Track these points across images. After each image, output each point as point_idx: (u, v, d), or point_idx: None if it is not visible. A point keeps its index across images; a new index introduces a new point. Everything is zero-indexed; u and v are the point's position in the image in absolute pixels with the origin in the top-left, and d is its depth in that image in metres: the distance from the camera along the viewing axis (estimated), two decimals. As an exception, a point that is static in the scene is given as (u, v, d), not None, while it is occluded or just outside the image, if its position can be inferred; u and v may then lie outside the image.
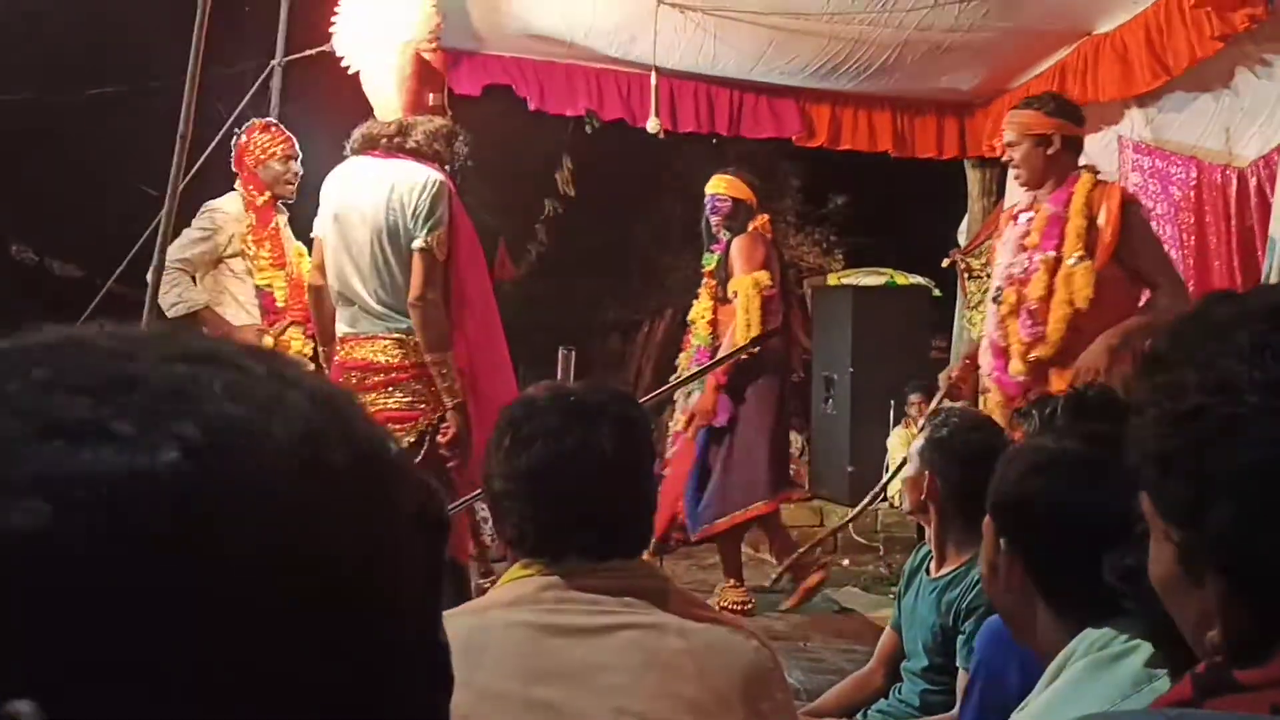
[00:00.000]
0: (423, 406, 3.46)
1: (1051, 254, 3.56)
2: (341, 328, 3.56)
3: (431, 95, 3.84)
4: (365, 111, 3.73)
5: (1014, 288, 3.68)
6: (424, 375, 3.44)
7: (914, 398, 7.01)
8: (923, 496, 2.60)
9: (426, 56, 3.91)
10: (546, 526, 1.43)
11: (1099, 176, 3.66)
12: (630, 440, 1.45)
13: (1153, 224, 4.90)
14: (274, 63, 5.60)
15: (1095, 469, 1.39)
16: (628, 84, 5.53)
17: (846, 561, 6.23)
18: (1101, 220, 3.51)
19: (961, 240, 6.49)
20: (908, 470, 2.71)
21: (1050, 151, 3.59)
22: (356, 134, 3.59)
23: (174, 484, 0.41)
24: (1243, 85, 4.49)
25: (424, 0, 3.82)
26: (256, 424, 0.44)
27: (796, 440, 7.38)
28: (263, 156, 4.48)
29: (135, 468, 0.41)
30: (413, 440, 3.40)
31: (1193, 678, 0.77)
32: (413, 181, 3.41)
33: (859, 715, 2.80)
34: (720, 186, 5.09)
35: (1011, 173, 3.81)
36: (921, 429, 3.02)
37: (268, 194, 4.45)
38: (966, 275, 6.36)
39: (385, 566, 0.46)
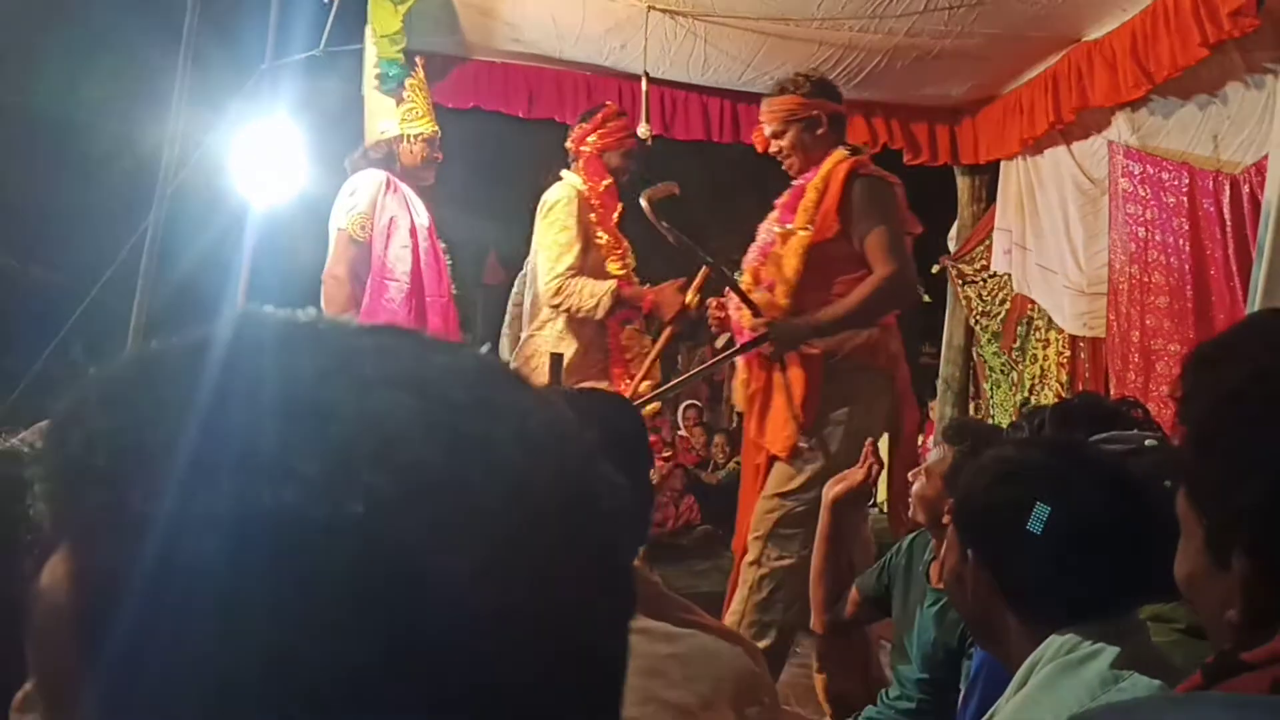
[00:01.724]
0: None
1: (788, 227, 3.53)
2: None
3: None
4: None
5: (751, 263, 3.69)
6: None
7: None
8: (943, 519, 2.57)
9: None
10: None
11: (854, 154, 3.59)
12: (618, 443, 1.45)
13: (1143, 230, 4.93)
14: (263, 66, 5.58)
15: (1059, 477, 1.42)
16: (618, 90, 5.53)
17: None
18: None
19: (951, 246, 6.50)
20: (919, 486, 2.68)
21: (820, 132, 3.53)
22: None
23: (353, 541, 0.37)
24: (1231, 93, 4.50)
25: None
26: (454, 474, 0.39)
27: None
28: (613, 143, 4.44)
29: (314, 519, 0.37)
30: None
31: (1203, 669, 0.79)
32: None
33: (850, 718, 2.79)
34: None
35: (785, 165, 3.68)
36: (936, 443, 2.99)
37: (609, 180, 4.41)
38: (959, 281, 6.37)
39: (576, 631, 0.41)
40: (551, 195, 4.30)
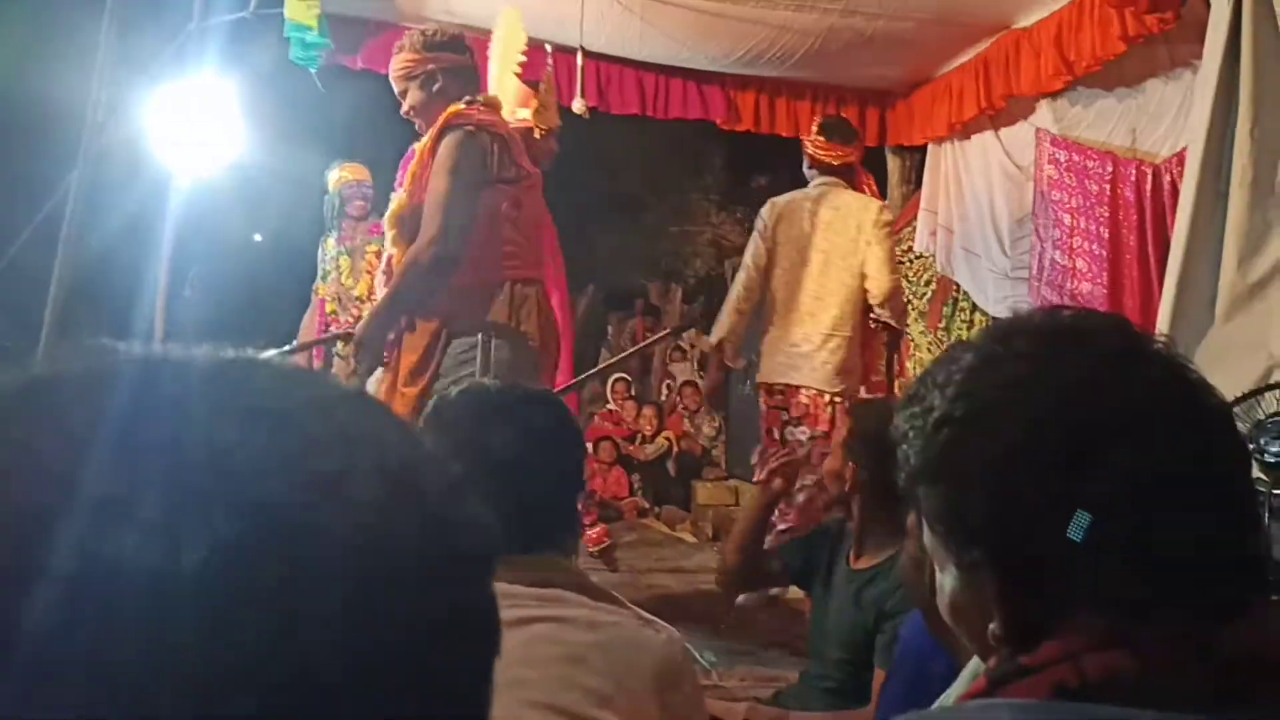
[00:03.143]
0: None
1: (398, 191, 3.40)
2: None
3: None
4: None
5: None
6: None
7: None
8: (845, 489, 2.63)
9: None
10: None
11: (466, 105, 3.34)
12: (536, 441, 1.49)
13: (1068, 216, 5.04)
14: (191, 26, 5.44)
15: None
16: (554, 65, 5.48)
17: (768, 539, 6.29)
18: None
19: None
20: (828, 463, 2.74)
21: (436, 88, 3.35)
22: None
23: (196, 593, 0.35)
24: (1150, 88, 4.61)
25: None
26: (305, 513, 0.37)
27: (715, 421, 7.43)
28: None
29: (153, 569, 0.34)
30: None
31: (987, 675, 0.82)
32: None
33: (773, 695, 2.84)
34: None
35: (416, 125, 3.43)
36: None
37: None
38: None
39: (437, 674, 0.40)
40: None
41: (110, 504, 0.35)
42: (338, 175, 5.82)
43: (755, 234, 4.55)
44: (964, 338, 5.90)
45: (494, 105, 3.46)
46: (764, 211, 4.53)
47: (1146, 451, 0.77)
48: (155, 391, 0.39)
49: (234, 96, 4.80)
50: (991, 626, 0.82)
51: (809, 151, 4.51)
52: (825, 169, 4.45)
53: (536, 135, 3.87)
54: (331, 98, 5.38)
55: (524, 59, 4.05)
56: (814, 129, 4.59)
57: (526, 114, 3.90)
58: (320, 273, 5.78)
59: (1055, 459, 0.78)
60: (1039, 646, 0.77)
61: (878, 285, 4.34)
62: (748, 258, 4.54)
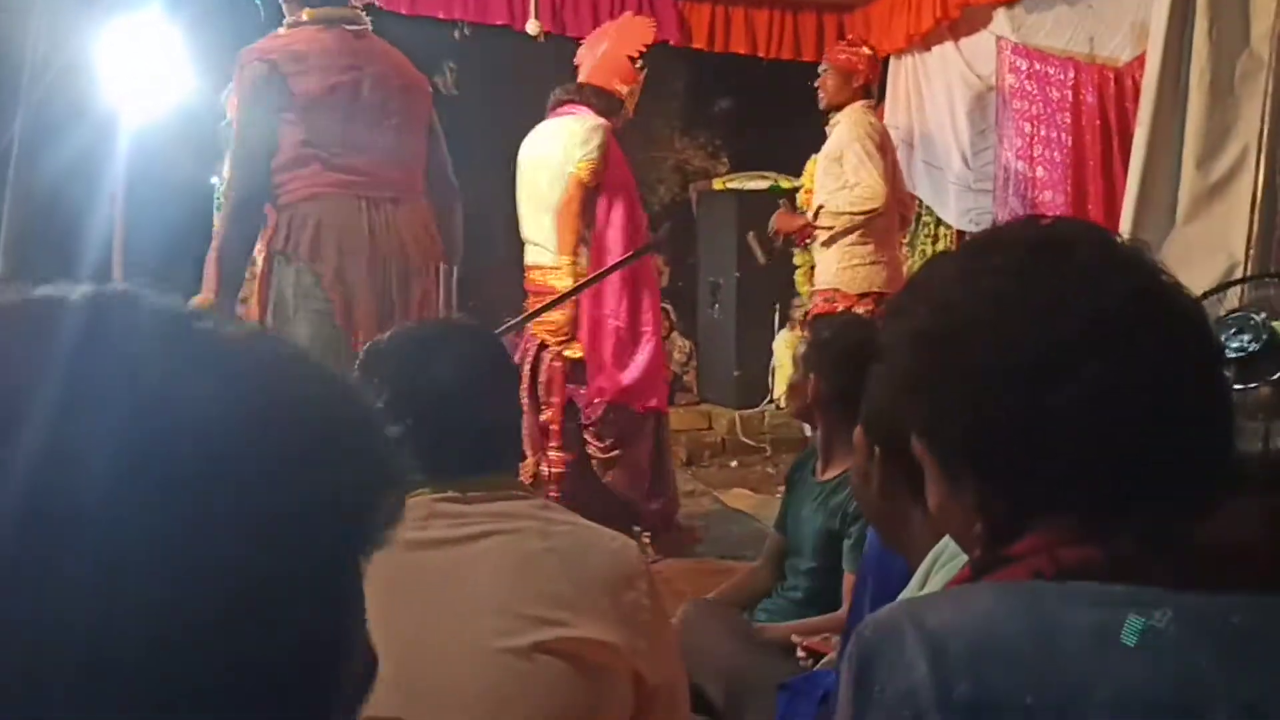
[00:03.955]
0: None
1: None
2: (528, 261, 4.29)
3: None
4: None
5: None
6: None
7: (798, 300, 7.07)
8: (808, 401, 2.65)
9: None
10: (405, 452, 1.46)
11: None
12: (470, 370, 1.54)
13: (1028, 125, 5.03)
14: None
15: None
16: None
17: (735, 463, 6.35)
18: None
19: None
20: (791, 375, 2.76)
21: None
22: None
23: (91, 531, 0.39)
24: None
25: None
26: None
27: (684, 346, 7.44)
28: None
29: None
30: (576, 355, 4.13)
31: (970, 563, 0.87)
32: (580, 124, 4.13)
33: (746, 612, 2.87)
34: None
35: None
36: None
37: None
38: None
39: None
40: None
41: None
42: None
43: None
44: (927, 253, 5.92)
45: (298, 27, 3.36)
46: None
47: (1118, 363, 0.81)
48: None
49: (180, 35, 4.69)
50: (976, 528, 0.86)
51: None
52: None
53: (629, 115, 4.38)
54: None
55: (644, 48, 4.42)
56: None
57: (624, 89, 4.31)
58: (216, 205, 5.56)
59: (1029, 372, 0.82)
60: (1018, 542, 0.82)
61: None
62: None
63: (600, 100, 4.24)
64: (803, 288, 6.03)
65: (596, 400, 4.13)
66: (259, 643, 0.42)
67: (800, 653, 2.45)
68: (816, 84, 4.79)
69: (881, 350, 0.95)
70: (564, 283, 4.03)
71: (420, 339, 1.62)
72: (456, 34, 5.91)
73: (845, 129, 4.57)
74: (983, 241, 0.93)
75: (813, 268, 5.06)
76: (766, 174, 7.13)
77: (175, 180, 4.96)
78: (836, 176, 4.55)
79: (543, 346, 4.20)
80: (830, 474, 2.67)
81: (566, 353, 4.15)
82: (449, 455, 1.45)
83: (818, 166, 4.79)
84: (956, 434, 0.86)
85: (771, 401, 6.57)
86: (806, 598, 2.69)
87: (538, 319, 4.02)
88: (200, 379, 0.44)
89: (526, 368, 4.15)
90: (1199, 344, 0.86)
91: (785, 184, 7.75)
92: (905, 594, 1.49)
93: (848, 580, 2.49)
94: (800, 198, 5.55)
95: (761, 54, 5.94)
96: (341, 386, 0.50)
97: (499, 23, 5.48)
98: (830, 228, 4.58)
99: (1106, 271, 0.85)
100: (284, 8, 3.40)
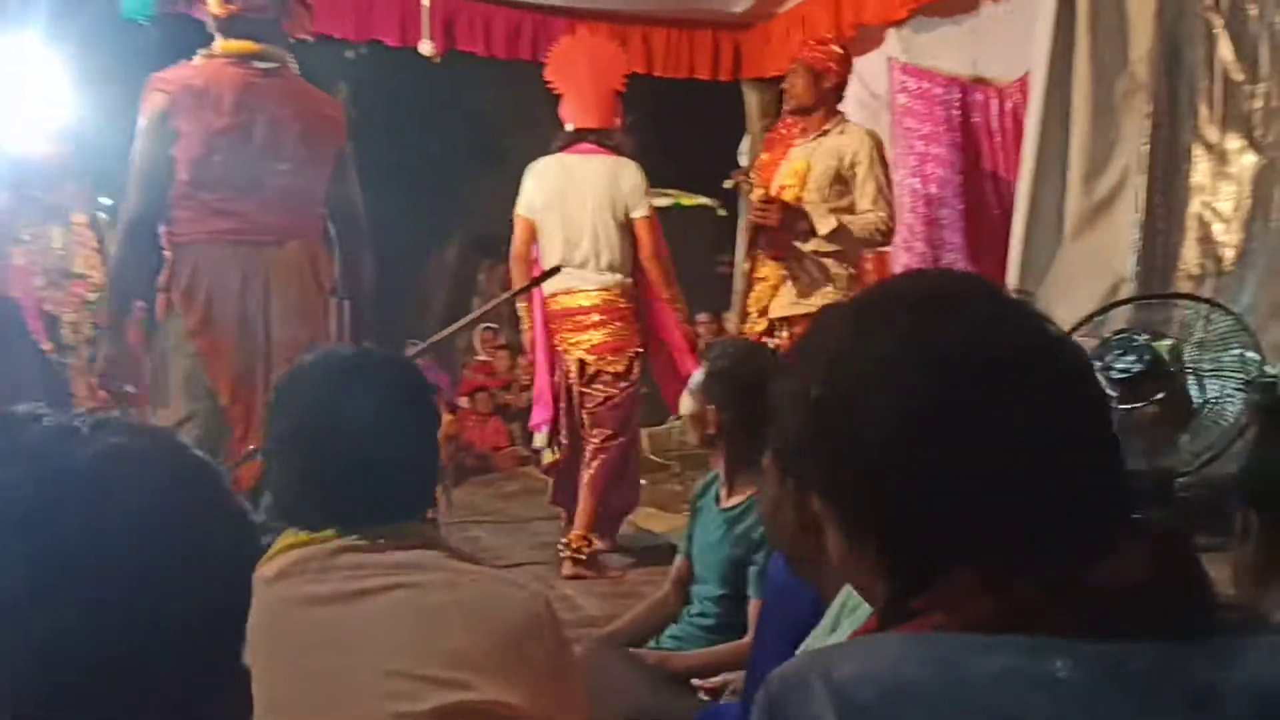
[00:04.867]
0: (626, 338, 4.46)
1: None
2: (555, 286, 4.38)
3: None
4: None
5: None
6: (624, 317, 4.45)
7: (702, 316, 7.13)
8: (708, 431, 2.64)
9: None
10: (308, 493, 1.43)
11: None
12: (382, 404, 1.45)
13: (920, 143, 5.12)
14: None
15: None
16: (400, 5, 5.33)
17: (643, 481, 6.33)
18: None
19: (743, 161, 6.59)
20: (687, 406, 2.73)
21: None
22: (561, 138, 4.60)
23: None
24: (988, 13, 4.70)
25: None
26: None
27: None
28: None
29: None
30: (623, 367, 4.45)
31: (879, 613, 0.88)
32: (630, 169, 4.53)
33: (653, 641, 2.86)
34: None
35: None
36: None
37: None
38: (751, 195, 6.47)
39: None
40: None
41: None
42: None
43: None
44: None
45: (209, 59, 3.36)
46: None
47: (1010, 416, 0.82)
48: None
49: (62, 60, 4.54)
50: (879, 587, 0.87)
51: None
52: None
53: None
54: (174, 50, 5.14)
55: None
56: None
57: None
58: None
59: (921, 431, 0.82)
60: (921, 595, 0.82)
61: None
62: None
63: (611, 139, 4.60)
64: (756, 305, 4.61)
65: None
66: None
67: (703, 695, 2.45)
68: (783, 85, 4.40)
69: (774, 411, 0.95)
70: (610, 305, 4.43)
71: (329, 369, 1.50)
72: (350, 54, 5.84)
73: (856, 148, 4.12)
74: (872, 299, 0.94)
75: (775, 286, 4.37)
76: (668, 191, 7.16)
77: (62, 206, 4.81)
78: (841, 194, 4.13)
79: (582, 366, 4.44)
80: (734, 500, 2.66)
81: (610, 369, 4.44)
82: (356, 497, 1.40)
83: (810, 175, 4.19)
84: (852, 493, 0.87)
85: (678, 418, 6.57)
86: (716, 625, 2.68)
87: (571, 341, 4.38)
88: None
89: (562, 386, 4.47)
90: (1087, 392, 0.87)
91: (686, 201, 7.82)
92: (815, 633, 1.49)
93: (753, 607, 2.49)
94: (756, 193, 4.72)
95: (659, 73, 5.98)
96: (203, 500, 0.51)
97: (391, 43, 5.42)
98: (838, 249, 4.14)
99: (995, 325, 0.86)
100: (210, 25, 3.36)
